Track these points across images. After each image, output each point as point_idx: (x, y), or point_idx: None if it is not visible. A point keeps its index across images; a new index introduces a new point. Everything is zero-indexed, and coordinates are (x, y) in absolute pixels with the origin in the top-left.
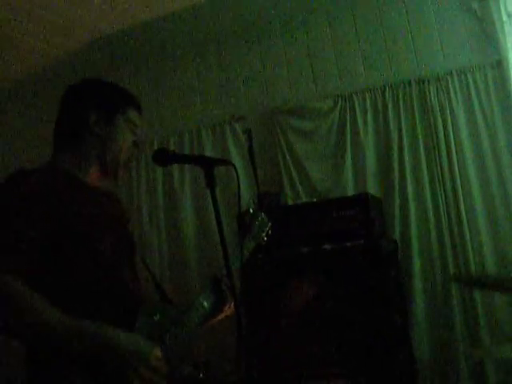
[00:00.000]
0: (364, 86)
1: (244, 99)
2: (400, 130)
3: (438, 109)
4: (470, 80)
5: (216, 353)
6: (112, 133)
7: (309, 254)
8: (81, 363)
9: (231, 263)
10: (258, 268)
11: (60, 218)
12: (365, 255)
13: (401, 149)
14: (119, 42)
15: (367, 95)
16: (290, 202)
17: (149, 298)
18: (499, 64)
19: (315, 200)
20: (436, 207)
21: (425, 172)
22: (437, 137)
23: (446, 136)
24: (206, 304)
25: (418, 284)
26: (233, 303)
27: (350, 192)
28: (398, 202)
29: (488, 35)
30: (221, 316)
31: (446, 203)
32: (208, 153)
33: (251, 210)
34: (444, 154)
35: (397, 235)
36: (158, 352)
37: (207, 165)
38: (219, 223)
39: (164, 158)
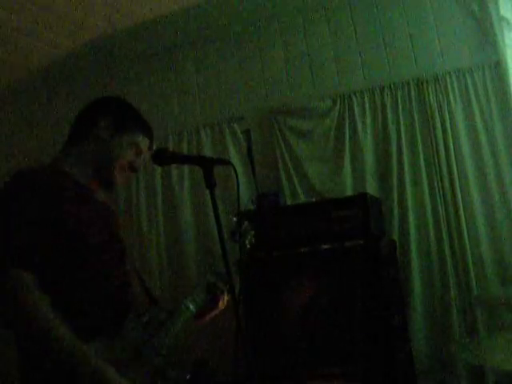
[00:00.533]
0: (363, 87)
1: (243, 99)
2: (399, 130)
3: (436, 109)
4: (469, 80)
5: (215, 352)
6: (115, 142)
7: (307, 254)
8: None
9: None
10: (257, 268)
11: (56, 217)
12: (363, 255)
13: (399, 149)
14: (119, 42)
15: (366, 95)
16: (289, 202)
17: (138, 301)
18: (497, 64)
19: (314, 200)
20: (435, 207)
21: (423, 172)
22: (435, 137)
23: (445, 136)
24: (191, 307)
25: (416, 284)
26: (225, 298)
27: (349, 192)
28: (396, 201)
29: (486, 36)
30: (214, 312)
31: (445, 203)
32: (207, 153)
33: (234, 219)
34: (442, 153)
35: (395, 235)
36: None
37: (206, 165)
38: (218, 223)
39: (163, 157)
